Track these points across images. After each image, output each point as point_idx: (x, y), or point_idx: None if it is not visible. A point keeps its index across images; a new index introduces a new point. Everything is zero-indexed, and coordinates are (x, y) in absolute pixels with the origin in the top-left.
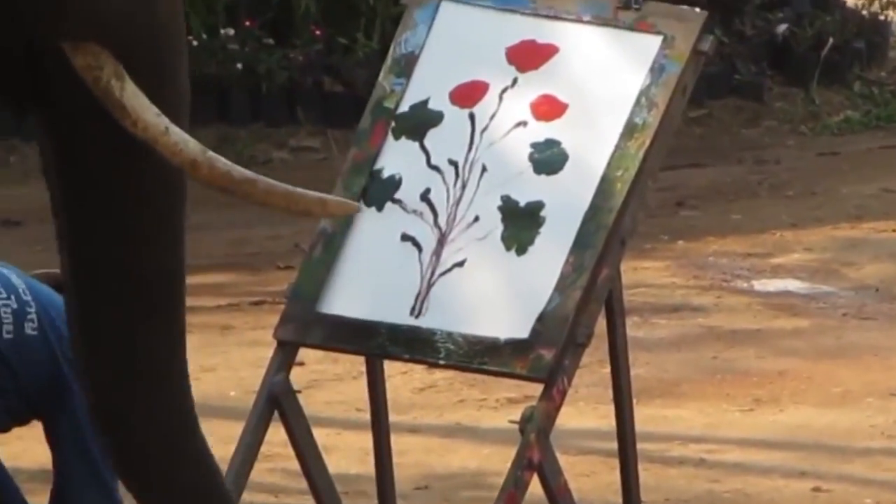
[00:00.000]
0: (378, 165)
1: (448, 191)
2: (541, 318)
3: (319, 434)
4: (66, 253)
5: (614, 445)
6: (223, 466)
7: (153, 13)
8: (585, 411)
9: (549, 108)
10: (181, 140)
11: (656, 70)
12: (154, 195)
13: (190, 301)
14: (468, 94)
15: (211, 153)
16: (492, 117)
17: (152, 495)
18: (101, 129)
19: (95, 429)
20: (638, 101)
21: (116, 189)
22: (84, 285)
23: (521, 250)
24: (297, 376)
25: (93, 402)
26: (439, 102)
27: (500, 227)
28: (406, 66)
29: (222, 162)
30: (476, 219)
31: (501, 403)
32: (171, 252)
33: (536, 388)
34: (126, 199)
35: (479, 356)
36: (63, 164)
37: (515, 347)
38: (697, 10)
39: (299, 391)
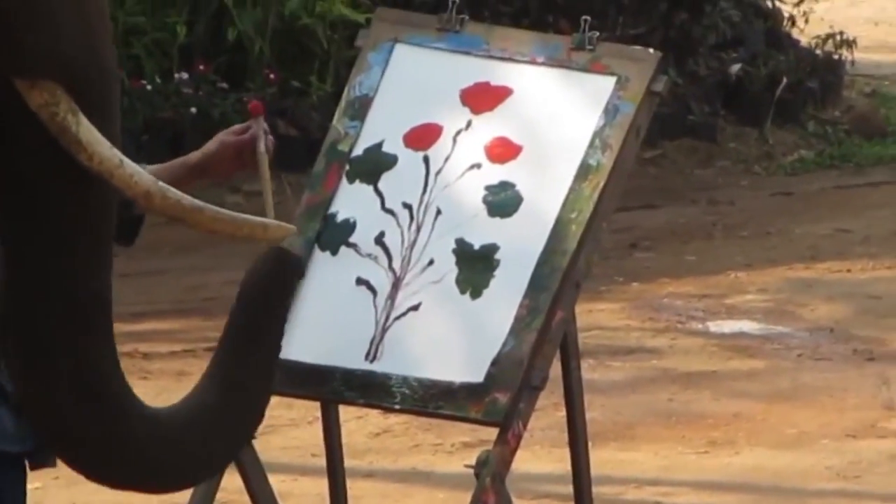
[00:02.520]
0: (332, 209)
1: (402, 234)
2: (496, 362)
3: (275, 480)
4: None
5: (570, 489)
6: None
7: (97, 47)
8: (541, 455)
9: (503, 150)
10: (135, 172)
11: (610, 111)
12: (91, 222)
13: (145, 347)
14: (422, 137)
15: (162, 184)
16: (446, 160)
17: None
18: (49, 163)
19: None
20: (592, 143)
21: (57, 215)
22: (17, 302)
23: (476, 293)
24: None
25: (29, 417)
26: (393, 145)
27: (454, 271)
28: (360, 109)
29: (173, 192)
30: (431, 262)
31: (457, 448)
32: (100, 275)
33: (492, 432)
34: (66, 225)
35: (435, 400)
36: (5, 194)
37: (470, 391)
38: (651, 50)
39: (254, 437)
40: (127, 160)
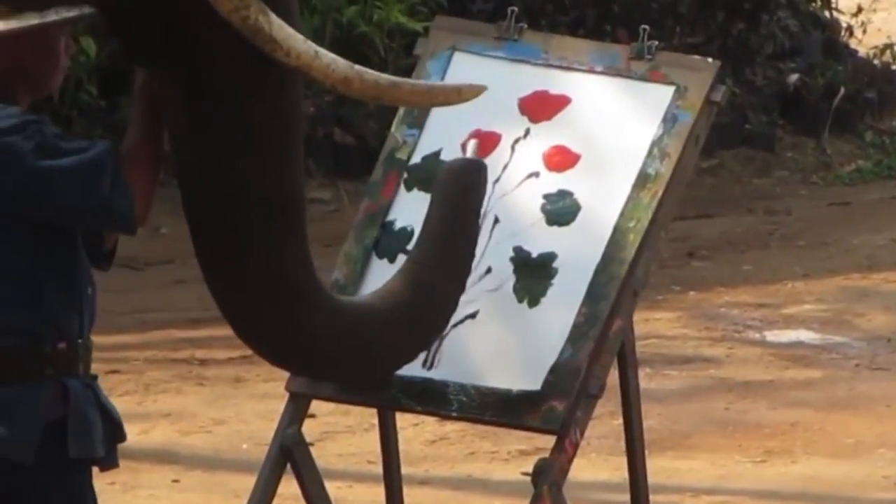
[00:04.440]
0: (390, 217)
1: None
2: (553, 370)
3: (331, 486)
4: (194, 184)
5: (626, 497)
6: None
7: None
8: (597, 463)
9: (561, 159)
10: (331, 60)
11: (669, 120)
12: (282, 123)
13: (201, 353)
14: (481, 145)
15: (358, 67)
16: (504, 168)
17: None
18: (239, 65)
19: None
20: (650, 152)
21: (251, 120)
22: (212, 206)
23: (534, 302)
24: (308, 428)
25: (223, 313)
26: (451, 153)
27: (512, 279)
28: (418, 117)
29: (370, 73)
30: (488, 270)
31: (513, 455)
32: (292, 175)
33: (548, 441)
34: (259, 129)
35: (491, 408)
36: (194, 104)
37: (528, 399)
38: (710, 60)
39: (311, 443)
40: (322, 50)
